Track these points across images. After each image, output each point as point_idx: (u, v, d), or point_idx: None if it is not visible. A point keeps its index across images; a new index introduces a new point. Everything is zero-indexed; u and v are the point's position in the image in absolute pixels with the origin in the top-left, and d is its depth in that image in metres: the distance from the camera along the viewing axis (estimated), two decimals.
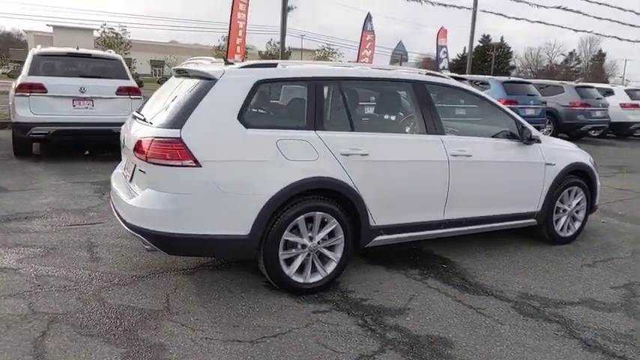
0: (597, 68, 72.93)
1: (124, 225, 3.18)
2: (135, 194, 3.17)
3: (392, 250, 4.12)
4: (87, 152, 8.17)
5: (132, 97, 7.98)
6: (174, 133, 2.93)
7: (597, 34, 33.70)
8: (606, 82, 48.76)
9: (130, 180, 3.38)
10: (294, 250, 3.24)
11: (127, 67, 8.32)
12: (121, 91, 7.86)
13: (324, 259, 3.37)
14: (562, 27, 30.31)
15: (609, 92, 15.42)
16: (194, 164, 2.91)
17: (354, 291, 3.44)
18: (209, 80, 3.12)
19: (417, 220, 3.71)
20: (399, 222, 3.62)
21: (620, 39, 29.73)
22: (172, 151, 2.89)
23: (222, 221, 3.02)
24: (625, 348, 2.85)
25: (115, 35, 28.88)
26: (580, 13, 27.52)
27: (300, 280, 3.28)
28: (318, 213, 3.25)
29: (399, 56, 38.39)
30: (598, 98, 13.95)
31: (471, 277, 3.80)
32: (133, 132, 3.34)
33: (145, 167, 3.01)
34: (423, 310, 3.21)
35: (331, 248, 3.37)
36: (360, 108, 3.56)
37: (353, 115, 3.48)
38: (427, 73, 4.00)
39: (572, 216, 4.67)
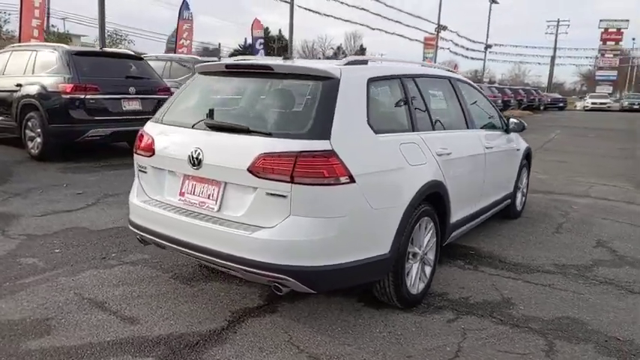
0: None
1: (243, 268, 2.45)
2: (251, 225, 2.47)
3: None
4: None
5: None
6: (324, 144, 2.38)
7: (362, 24, 37.42)
8: None
9: (219, 209, 2.61)
10: (410, 262, 3.02)
11: None
12: None
13: (423, 265, 3.23)
14: (332, 17, 32.76)
15: None
16: (349, 180, 2.43)
17: (447, 292, 3.40)
18: (326, 80, 2.61)
19: (468, 214, 3.84)
20: (460, 217, 3.69)
21: (373, 29, 33.91)
22: (330, 167, 2.35)
23: (371, 242, 2.62)
24: None
25: None
26: (345, 4, 30.85)
27: (414, 291, 3.08)
28: (425, 218, 3.09)
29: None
30: None
31: (503, 258, 4.13)
32: (223, 146, 2.58)
33: (288, 190, 2.36)
34: (520, 296, 3.37)
35: (427, 252, 3.25)
36: (430, 106, 3.45)
37: (431, 113, 3.37)
38: (448, 70, 4.12)
39: (522, 192, 5.46)
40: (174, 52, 19.06)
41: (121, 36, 32.17)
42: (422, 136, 3.11)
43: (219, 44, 45.50)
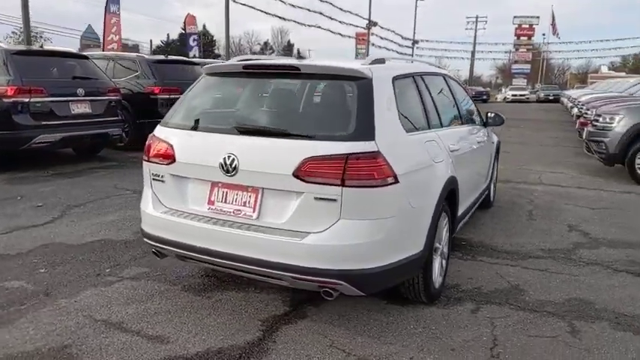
0: (287, 57, 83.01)
1: (293, 275, 2.38)
2: (297, 231, 2.41)
3: None
4: None
5: None
6: (371, 146, 2.37)
7: (287, 19, 35.90)
8: None
9: (258, 216, 2.51)
10: (434, 257, 3.08)
11: None
12: None
13: (441, 259, 3.31)
14: (263, 12, 31.32)
15: None
16: (394, 181, 2.44)
17: (458, 284, 3.50)
18: (359, 79, 2.58)
19: (467, 206, 3.98)
20: (463, 210, 3.81)
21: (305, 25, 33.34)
22: (379, 169, 2.34)
23: (411, 241, 2.65)
24: None
25: None
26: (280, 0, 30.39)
27: (437, 285, 3.15)
28: (443, 213, 3.16)
29: (91, 42, 35.06)
30: None
31: (494, 247, 4.33)
32: (261, 151, 2.48)
33: (338, 193, 2.32)
34: (525, 282, 3.55)
35: (444, 246, 3.33)
36: (437, 103, 3.51)
37: (438, 110, 3.45)
38: (438, 67, 4.24)
39: (493, 183, 5.74)
40: (103, 49, 18.01)
41: (36, 33, 29.88)
42: (437, 133, 3.18)
43: (151, 41, 43.48)
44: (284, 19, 27.65)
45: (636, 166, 7.09)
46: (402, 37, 40.47)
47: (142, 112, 8.97)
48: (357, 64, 2.73)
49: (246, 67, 2.83)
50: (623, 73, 51.00)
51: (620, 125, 7.22)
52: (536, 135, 14.32)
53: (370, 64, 2.80)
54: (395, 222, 2.48)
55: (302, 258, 2.36)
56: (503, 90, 50.18)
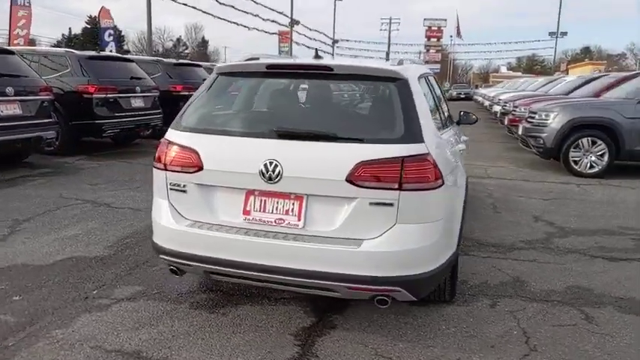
0: (203, 54, 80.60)
1: (347, 285, 2.25)
2: (350, 239, 2.29)
3: None
4: None
5: None
6: (422, 148, 2.31)
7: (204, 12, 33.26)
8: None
9: (304, 225, 2.35)
10: None
11: None
12: None
13: None
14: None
15: None
16: (442, 183, 2.40)
17: (465, 280, 3.56)
18: (396, 80, 2.52)
19: None
20: None
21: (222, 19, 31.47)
22: (432, 171, 2.30)
23: (450, 242, 2.63)
24: (624, 254, 4.20)
25: None
26: None
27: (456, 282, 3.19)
28: None
29: None
30: None
31: (478, 241, 4.47)
32: (307, 156, 2.33)
33: (395, 197, 2.23)
34: (523, 274, 3.69)
35: None
36: (440, 103, 3.52)
37: (443, 110, 3.48)
38: None
39: None
40: (9, 44, 16.25)
41: None
42: (449, 132, 3.22)
43: (63, 34, 39.80)
44: (210, 14, 26.58)
45: (570, 159, 7.74)
46: (325, 35, 41.08)
47: (75, 114, 8.21)
48: (387, 64, 2.67)
49: (270, 66, 2.64)
50: (520, 73, 55.78)
51: (555, 121, 7.83)
52: (467, 131, 15.09)
53: (397, 64, 2.75)
54: (442, 224, 2.46)
55: (359, 266, 2.26)
56: None
